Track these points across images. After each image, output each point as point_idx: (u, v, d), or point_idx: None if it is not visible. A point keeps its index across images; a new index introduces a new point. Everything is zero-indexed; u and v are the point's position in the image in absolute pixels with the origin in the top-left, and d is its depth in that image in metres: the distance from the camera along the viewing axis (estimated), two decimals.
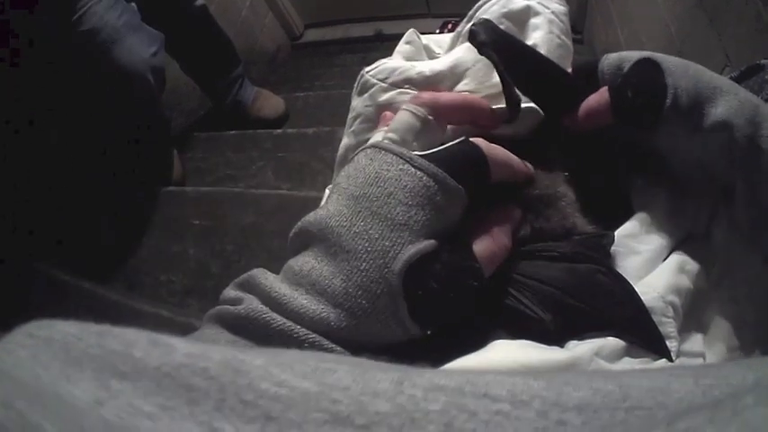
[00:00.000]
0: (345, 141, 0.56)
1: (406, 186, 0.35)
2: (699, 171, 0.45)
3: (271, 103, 2.38)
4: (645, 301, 0.39)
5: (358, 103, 0.55)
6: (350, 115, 0.56)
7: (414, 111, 0.41)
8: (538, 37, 0.52)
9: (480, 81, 0.51)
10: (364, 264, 0.33)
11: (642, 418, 0.17)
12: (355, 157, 0.39)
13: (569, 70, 0.49)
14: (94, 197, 1.89)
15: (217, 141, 2.28)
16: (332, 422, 0.18)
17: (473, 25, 0.47)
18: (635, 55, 0.44)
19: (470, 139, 0.39)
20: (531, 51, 0.47)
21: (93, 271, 1.65)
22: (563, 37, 0.53)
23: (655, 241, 0.44)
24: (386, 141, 0.39)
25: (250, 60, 2.54)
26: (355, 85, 0.55)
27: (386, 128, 0.42)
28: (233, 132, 2.28)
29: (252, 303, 0.33)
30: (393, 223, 0.34)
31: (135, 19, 1.69)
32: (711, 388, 0.18)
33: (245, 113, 2.33)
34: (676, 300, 0.40)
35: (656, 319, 0.39)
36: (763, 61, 0.61)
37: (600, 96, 0.44)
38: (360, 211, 0.34)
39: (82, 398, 0.18)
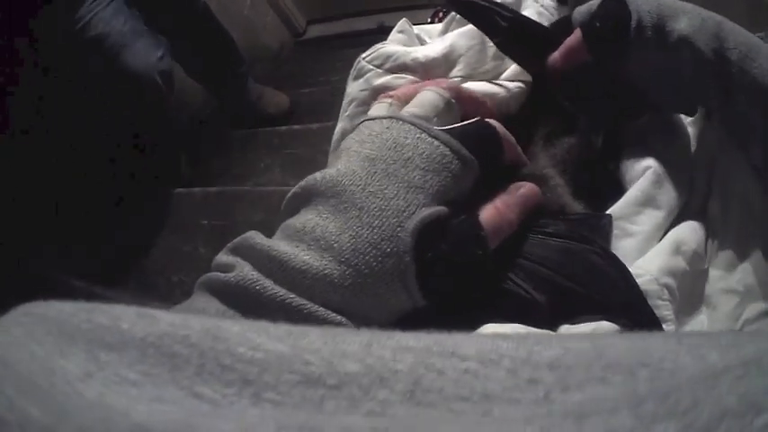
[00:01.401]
0: (340, 126, 0.56)
1: (423, 153, 0.36)
2: (677, 99, 0.46)
3: (275, 100, 2.38)
4: (639, 284, 0.38)
5: (353, 88, 0.55)
6: (345, 101, 0.56)
7: (440, 92, 0.42)
8: None
9: (473, 67, 0.52)
10: (377, 221, 0.33)
11: (622, 374, 0.17)
12: (365, 125, 0.39)
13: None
14: (104, 201, 1.90)
15: (223, 141, 2.28)
16: (305, 383, 0.18)
17: None
18: None
19: (487, 120, 0.41)
20: (510, 10, 0.49)
21: (105, 275, 1.66)
22: None
23: (648, 221, 0.44)
24: (406, 114, 0.39)
25: (254, 59, 2.53)
26: (352, 71, 0.56)
27: (386, 101, 0.43)
28: (240, 131, 2.28)
29: (243, 270, 0.33)
30: (409, 185, 0.34)
31: (139, 24, 1.70)
32: (698, 347, 0.17)
33: (250, 112, 2.33)
34: (672, 282, 0.40)
35: (651, 302, 0.38)
36: (757, 35, 0.60)
37: (574, 36, 0.46)
38: (376, 172, 0.35)
39: (73, 371, 0.18)
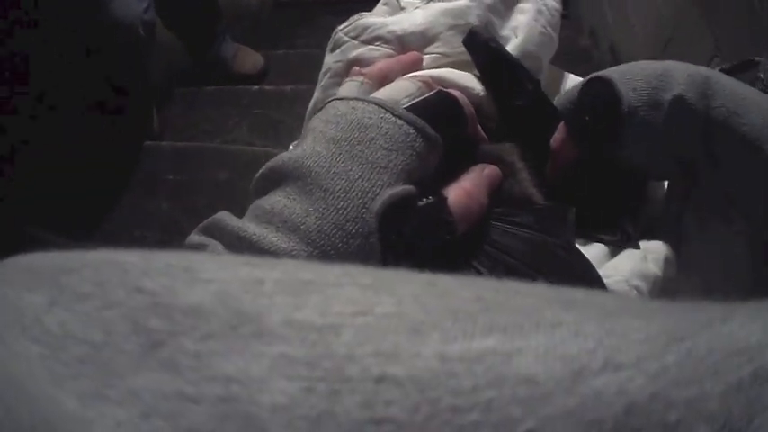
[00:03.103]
0: (315, 96, 0.56)
1: (387, 133, 0.36)
2: (672, 168, 0.45)
3: (251, 59, 2.34)
4: (608, 284, 0.39)
5: (329, 60, 0.55)
6: (321, 71, 0.56)
7: (414, 82, 0.41)
8: (522, 20, 0.53)
9: (452, 46, 0.51)
10: (342, 203, 0.33)
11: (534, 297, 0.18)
12: (332, 104, 0.39)
13: (547, 62, 0.50)
14: (73, 152, 1.86)
15: (195, 97, 2.24)
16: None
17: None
18: (578, 81, 0.46)
19: (448, 90, 0.40)
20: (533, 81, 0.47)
21: (68, 227, 1.64)
22: (548, 28, 0.54)
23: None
24: (371, 97, 0.39)
25: (232, 17, 2.49)
26: (329, 42, 0.56)
27: (358, 79, 0.43)
28: (211, 88, 2.25)
29: (215, 250, 0.33)
30: (373, 166, 0.34)
31: None
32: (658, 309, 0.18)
33: (224, 69, 2.30)
34: (642, 285, 0.40)
35: None
36: (756, 58, 0.61)
37: (558, 135, 0.45)
38: (340, 154, 0.35)
39: (40, 303, 0.18)
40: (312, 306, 0.17)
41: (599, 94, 0.43)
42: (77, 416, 0.16)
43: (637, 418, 0.13)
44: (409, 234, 0.34)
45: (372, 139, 0.35)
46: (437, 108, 0.39)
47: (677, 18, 1.78)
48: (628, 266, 0.41)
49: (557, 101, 0.46)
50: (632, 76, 0.42)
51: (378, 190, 0.34)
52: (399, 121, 0.36)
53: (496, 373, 0.15)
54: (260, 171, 0.37)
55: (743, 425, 0.12)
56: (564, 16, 0.56)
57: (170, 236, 1.65)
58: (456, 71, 0.49)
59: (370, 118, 0.36)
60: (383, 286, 0.19)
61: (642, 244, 0.44)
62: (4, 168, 1.68)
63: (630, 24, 2.20)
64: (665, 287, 0.43)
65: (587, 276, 0.39)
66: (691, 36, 1.64)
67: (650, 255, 0.43)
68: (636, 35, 1.81)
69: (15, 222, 1.58)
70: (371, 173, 0.34)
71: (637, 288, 0.40)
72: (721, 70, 0.56)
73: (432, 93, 0.40)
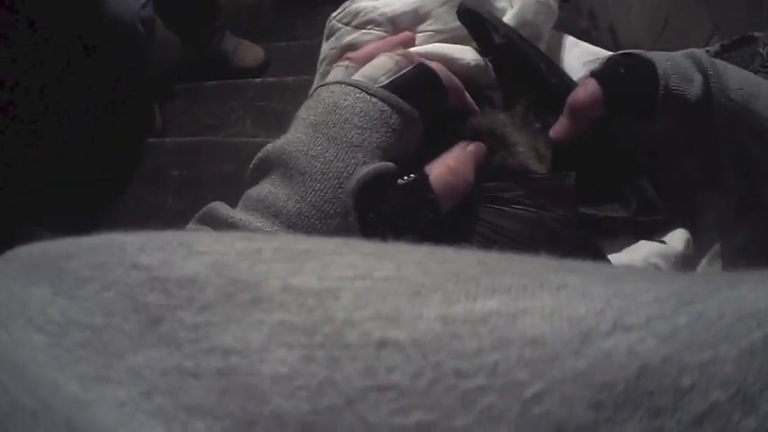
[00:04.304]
0: (314, 85, 0.56)
1: (360, 111, 0.36)
2: (693, 137, 0.43)
3: (251, 52, 2.34)
4: (625, 260, 0.38)
5: (325, 47, 0.56)
6: (319, 59, 0.57)
7: (391, 56, 0.41)
8: None
9: (445, 22, 0.51)
10: (319, 184, 0.34)
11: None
12: (317, 91, 0.40)
13: (548, 30, 0.49)
14: (77, 149, 1.87)
15: (197, 92, 2.24)
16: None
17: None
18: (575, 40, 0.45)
19: (427, 63, 0.40)
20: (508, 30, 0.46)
21: (75, 224, 1.64)
22: None
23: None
24: (351, 78, 0.40)
25: (232, 10, 2.49)
26: (324, 30, 0.56)
27: (344, 63, 0.44)
28: (213, 83, 2.24)
29: None
30: (348, 145, 0.35)
31: None
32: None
33: (225, 63, 2.29)
34: (661, 262, 0.39)
35: None
36: (756, 34, 0.60)
37: (587, 88, 0.42)
38: (317, 137, 0.36)
39: (44, 295, 0.19)
40: (310, 271, 0.17)
41: (633, 60, 0.42)
42: (78, 399, 0.16)
43: (649, 381, 0.13)
44: (390, 212, 0.34)
45: (347, 119, 0.36)
46: (414, 81, 0.39)
47: None
48: (646, 248, 0.41)
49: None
50: (659, 54, 0.41)
51: (352, 169, 0.34)
52: (373, 99, 0.36)
53: (501, 335, 0.14)
54: (252, 162, 0.38)
55: (756, 391, 0.12)
56: None
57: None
58: (445, 45, 0.49)
59: (346, 99, 0.37)
60: (384, 254, 0.18)
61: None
62: (7, 167, 1.68)
63: (629, 4, 2.18)
64: (684, 266, 0.41)
65: (589, 249, 0.39)
66: (689, 15, 1.63)
67: (671, 236, 0.42)
68: (634, 15, 1.80)
69: (19, 220, 1.59)
70: (346, 152, 0.35)
71: (655, 266, 0.39)
72: (721, 46, 0.55)
73: (410, 67, 0.39)
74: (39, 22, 1.66)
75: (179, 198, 1.73)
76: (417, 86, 0.39)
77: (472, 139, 0.42)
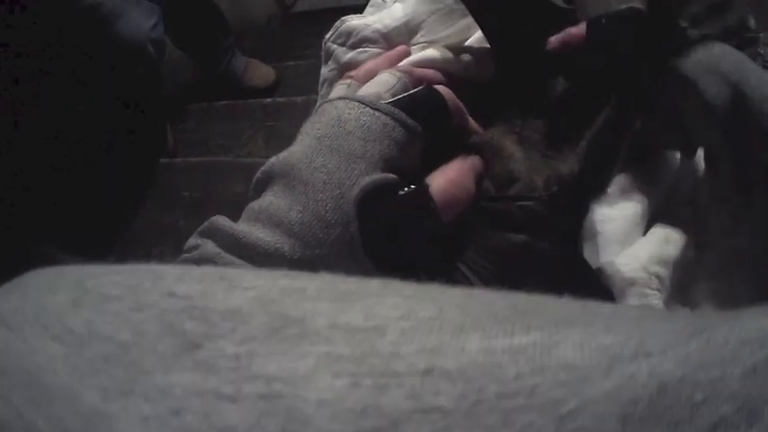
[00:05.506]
0: (317, 105, 0.56)
1: (364, 125, 0.37)
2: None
3: (261, 72, 2.36)
4: (625, 273, 0.38)
5: (324, 70, 0.56)
6: (319, 82, 0.57)
7: (393, 73, 0.42)
8: None
9: (437, 31, 0.51)
10: (321, 194, 0.34)
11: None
12: (322, 107, 0.40)
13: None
14: (89, 170, 1.89)
15: (207, 112, 2.27)
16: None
17: None
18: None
19: (435, 86, 0.41)
20: None
21: (86, 245, 1.65)
22: None
23: (630, 207, 0.43)
24: (354, 95, 0.40)
25: (241, 31, 2.51)
26: (321, 53, 0.56)
27: (346, 81, 0.44)
28: (223, 103, 2.27)
29: (206, 246, 0.34)
30: (350, 156, 0.35)
31: None
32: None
33: (235, 84, 2.32)
34: (662, 271, 0.39)
35: (638, 291, 0.38)
36: (756, 34, 0.60)
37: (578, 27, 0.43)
38: (321, 149, 0.36)
39: (62, 302, 0.19)
40: (356, 311, 0.18)
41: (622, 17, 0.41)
42: (98, 409, 0.16)
43: (668, 397, 0.14)
44: (391, 222, 0.35)
45: (350, 131, 0.36)
46: (421, 102, 0.39)
47: None
48: (646, 252, 0.40)
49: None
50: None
51: (354, 179, 0.35)
52: (377, 113, 0.37)
53: (538, 363, 0.16)
54: (256, 175, 0.39)
55: (759, 404, 0.14)
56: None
57: None
58: (436, 49, 0.49)
59: (350, 113, 0.37)
60: (424, 296, 0.20)
61: (660, 228, 0.42)
62: (18, 188, 1.70)
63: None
64: (684, 269, 0.41)
65: (579, 272, 0.39)
66: None
67: (672, 236, 0.42)
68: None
69: (32, 241, 1.60)
70: (348, 163, 0.35)
71: (657, 275, 0.39)
72: None
73: (418, 89, 0.40)
74: (50, 45, 1.68)
75: (190, 219, 1.74)
76: (423, 106, 0.39)
77: (470, 150, 0.42)
